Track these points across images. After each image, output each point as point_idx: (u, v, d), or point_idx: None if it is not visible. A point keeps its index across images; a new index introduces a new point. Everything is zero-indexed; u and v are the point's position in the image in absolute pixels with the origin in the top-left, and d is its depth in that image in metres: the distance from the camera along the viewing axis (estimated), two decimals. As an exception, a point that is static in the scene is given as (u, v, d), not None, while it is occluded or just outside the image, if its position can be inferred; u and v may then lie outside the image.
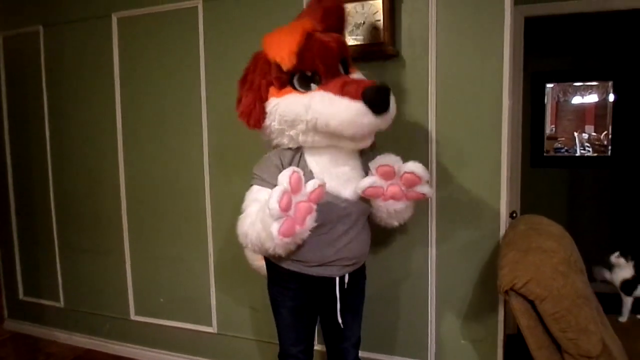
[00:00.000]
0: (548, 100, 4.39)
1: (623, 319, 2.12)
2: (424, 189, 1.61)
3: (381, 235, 2.26)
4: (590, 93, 4.55)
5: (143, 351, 2.95)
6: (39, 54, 3.01)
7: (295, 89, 1.57)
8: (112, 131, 2.84)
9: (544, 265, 1.54)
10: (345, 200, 1.62)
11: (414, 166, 1.56)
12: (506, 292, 1.56)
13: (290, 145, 1.63)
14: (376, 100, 1.46)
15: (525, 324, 1.54)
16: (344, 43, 1.66)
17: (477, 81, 2.06)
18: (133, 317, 2.96)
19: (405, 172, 1.56)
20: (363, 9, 2.13)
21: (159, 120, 2.72)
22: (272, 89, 1.59)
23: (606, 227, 3.96)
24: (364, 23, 2.12)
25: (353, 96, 1.45)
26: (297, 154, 1.64)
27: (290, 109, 1.56)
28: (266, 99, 1.60)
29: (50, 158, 3.08)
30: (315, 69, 1.55)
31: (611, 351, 1.55)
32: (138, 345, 2.97)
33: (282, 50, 1.51)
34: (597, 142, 4.68)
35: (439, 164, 2.08)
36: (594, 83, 4.35)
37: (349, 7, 2.14)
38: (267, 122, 1.62)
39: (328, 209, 1.58)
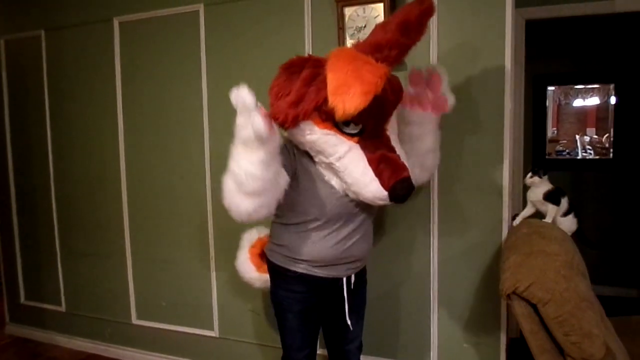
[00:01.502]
0: (549, 103, 4.39)
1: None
2: (449, 98, 1.69)
3: (384, 238, 2.26)
4: (591, 96, 4.56)
5: (144, 355, 2.95)
6: (41, 58, 3.02)
7: (336, 128, 1.49)
8: (114, 135, 2.84)
9: (546, 268, 1.54)
10: (354, 198, 1.61)
11: (440, 70, 1.69)
12: (508, 295, 1.56)
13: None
14: (399, 199, 1.51)
15: (528, 327, 1.53)
16: (402, 95, 1.59)
17: (479, 84, 2.06)
18: (135, 321, 2.95)
19: (435, 73, 1.69)
20: (364, 12, 2.14)
21: (161, 123, 2.72)
22: (315, 114, 1.48)
23: (609, 230, 3.95)
24: (365, 26, 2.13)
25: (384, 183, 1.48)
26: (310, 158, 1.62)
27: (323, 146, 1.51)
28: (307, 117, 1.48)
29: (51, 162, 3.08)
30: (365, 126, 1.50)
31: (614, 354, 1.54)
32: (140, 350, 2.96)
33: (345, 105, 1.39)
34: (598, 145, 4.68)
35: (441, 167, 2.07)
36: (596, 86, 4.36)
37: (350, 10, 2.16)
38: (296, 131, 1.54)
39: (339, 207, 1.59)
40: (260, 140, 1.31)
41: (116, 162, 2.86)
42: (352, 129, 1.50)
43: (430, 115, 1.71)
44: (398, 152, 1.55)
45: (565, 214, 2.07)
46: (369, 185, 1.49)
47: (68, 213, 3.08)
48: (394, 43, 1.46)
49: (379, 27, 1.53)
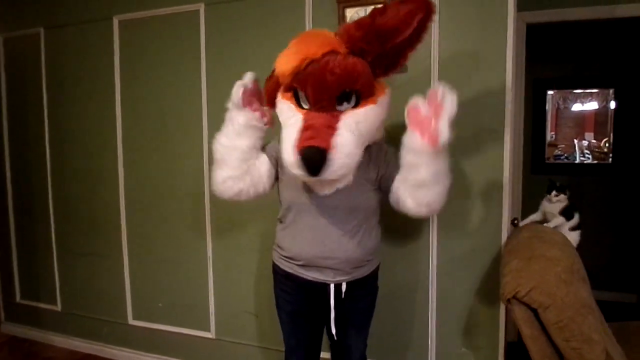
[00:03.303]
0: (549, 107, 4.39)
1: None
2: (442, 133, 1.44)
3: (382, 242, 2.25)
4: (590, 100, 4.55)
5: (140, 356, 2.93)
6: (40, 56, 3.00)
7: (295, 101, 1.56)
8: (112, 134, 2.83)
9: (547, 273, 1.53)
10: (328, 191, 1.60)
11: (447, 97, 1.45)
12: (509, 300, 1.55)
13: None
14: (304, 166, 1.44)
15: (528, 332, 1.52)
16: (353, 76, 1.49)
17: (480, 87, 2.05)
18: (131, 321, 2.93)
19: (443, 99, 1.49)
20: (366, 13, 2.12)
21: (159, 123, 2.71)
22: (282, 87, 1.61)
23: (607, 235, 3.95)
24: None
25: (297, 146, 1.44)
26: None
27: (281, 115, 1.60)
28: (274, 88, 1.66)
29: (49, 160, 3.06)
30: (305, 93, 1.51)
31: (614, 361, 1.53)
32: (136, 350, 2.94)
33: (280, 65, 1.54)
34: (597, 150, 4.67)
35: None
36: (595, 90, 4.35)
37: (352, 11, 2.15)
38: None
39: (306, 189, 1.63)
40: (236, 107, 1.63)
41: (114, 161, 2.84)
42: (303, 102, 1.54)
43: (426, 145, 1.48)
44: (340, 134, 1.45)
45: (574, 228, 2.11)
46: (287, 150, 1.47)
47: (65, 212, 3.06)
48: (363, 37, 1.51)
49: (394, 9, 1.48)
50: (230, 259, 2.59)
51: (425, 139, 1.47)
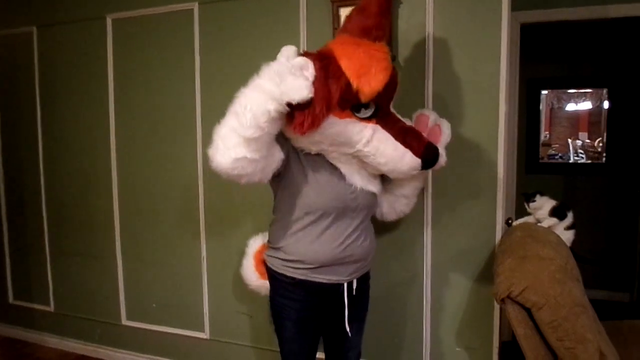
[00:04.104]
0: (542, 107, 4.41)
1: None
2: (442, 156, 1.66)
3: (376, 240, 2.24)
4: (584, 100, 4.57)
5: (134, 357, 2.92)
6: (32, 55, 2.99)
7: (355, 115, 1.50)
8: (105, 134, 2.81)
9: (541, 272, 1.53)
10: (356, 190, 1.62)
11: (445, 124, 1.73)
12: (502, 300, 1.55)
13: (314, 152, 1.60)
14: (431, 163, 1.59)
15: (522, 332, 1.52)
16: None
17: (474, 88, 2.06)
18: (124, 322, 2.92)
19: (437, 124, 1.72)
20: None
21: (153, 123, 2.69)
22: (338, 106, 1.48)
23: (601, 235, 3.96)
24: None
25: (415, 152, 1.54)
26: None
27: (348, 136, 1.51)
28: (335, 109, 1.46)
29: (42, 160, 3.04)
30: (381, 104, 1.53)
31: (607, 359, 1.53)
32: (129, 351, 2.93)
33: (371, 83, 1.44)
34: (591, 149, 4.69)
35: (435, 170, 2.07)
36: (588, 90, 4.37)
37: (345, 10, 2.14)
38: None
39: (336, 194, 1.59)
40: (285, 102, 1.32)
41: (107, 161, 2.82)
42: (366, 113, 1.51)
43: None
44: (410, 124, 1.64)
45: (569, 227, 2.12)
46: (404, 158, 1.54)
47: (58, 212, 3.04)
48: (379, 25, 1.55)
49: (357, 13, 1.58)
50: (225, 259, 2.58)
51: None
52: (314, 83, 1.36)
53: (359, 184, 1.62)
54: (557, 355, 1.49)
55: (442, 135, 1.71)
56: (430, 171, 1.91)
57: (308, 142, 1.54)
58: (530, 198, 2.15)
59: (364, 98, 1.46)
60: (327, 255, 1.61)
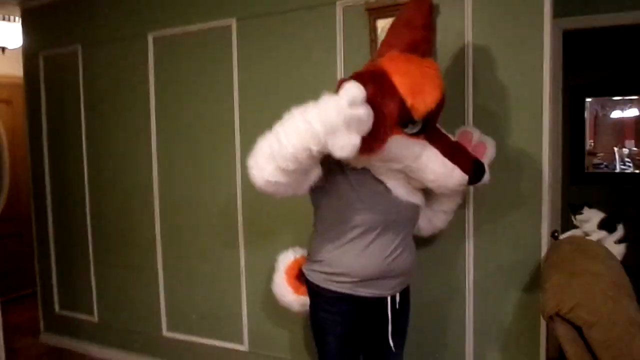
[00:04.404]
0: (587, 114, 4.28)
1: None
2: (486, 173, 1.64)
3: (417, 254, 2.20)
4: (630, 107, 4.41)
5: (174, 368, 2.95)
6: (78, 73, 3.10)
7: (404, 131, 1.49)
8: (147, 149, 2.88)
9: (591, 289, 1.47)
10: (402, 203, 1.61)
11: (490, 142, 1.75)
12: (550, 317, 1.49)
13: (359, 167, 1.59)
14: (477, 179, 1.58)
15: (573, 352, 1.45)
16: None
17: (516, 95, 2.01)
18: (165, 333, 2.96)
19: (481, 142, 1.73)
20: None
21: (193, 137, 2.74)
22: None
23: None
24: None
25: (463, 168, 1.54)
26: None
27: (397, 151, 1.49)
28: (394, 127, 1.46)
29: (86, 174, 3.14)
30: (430, 120, 1.52)
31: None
32: (169, 362, 2.97)
33: (426, 102, 1.44)
34: (638, 158, 4.51)
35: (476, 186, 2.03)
36: (635, 97, 4.22)
37: (383, 22, 2.13)
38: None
39: (383, 208, 1.58)
40: (327, 151, 1.29)
41: (149, 175, 2.89)
42: (413, 129, 1.50)
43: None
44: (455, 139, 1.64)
45: (619, 241, 2.03)
46: (453, 175, 1.53)
47: (102, 225, 3.12)
48: (426, 38, 1.56)
49: (402, 26, 1.58)
50: (264, 271, 2.58)
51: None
52: (371, 104, 1.31)
53: (404, 198, 1.61)
54: (611, 376, 1.42)
55: (487, 152, 1.71)
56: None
57: (354, 159, 1.47)
58: (577, 210, 2.08)
59: (417, 116, 1.45)
60: (374, 268, 1.59)
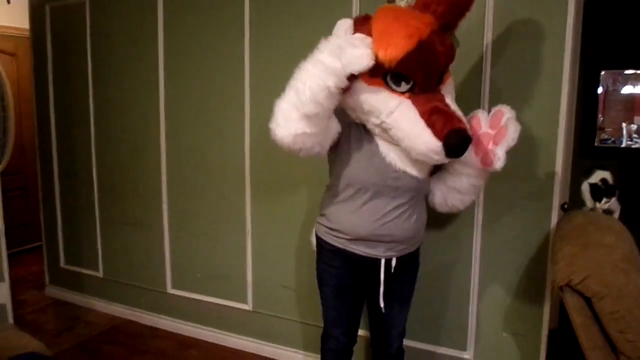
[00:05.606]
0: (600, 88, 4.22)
1: None
2: (499, 159, 1.56)
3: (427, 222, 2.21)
4: (642, 82, 4.34)
5: (178, 324, 2.99)
6: (85, 25, 3.03)
7: (386, 84, 1.46)
8: (155, 105, 2.84)
9: (603, 261, 1.47)
10: (398, 170, 1.58)
11: (512, 126, 1.56)
12: (561, 287, 1.50)
13: (357, 121, 1.62)
14: (455, 150, 1.44)
15: (580, 322, 1.47)
16: (453, 53, 1.51)
17: (535, 65, 1.96)
18: (170, 290, 3.00)
19: (505, 125, 1.57)
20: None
21: (202, 94, 2.70)
22: (367, 73, 1.43)
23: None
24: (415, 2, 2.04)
25: (437, 133, 1.41)
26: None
27: (372, 102, 1.48)
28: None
29: (93, 130, 3.11)
30: (414, 78, 1.45)
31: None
32: (174, 318, 3.01)
33: (388, 49, 1.37)
34: (647, 134, 4.47)
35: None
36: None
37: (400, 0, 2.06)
38: (348, 94, 1.50)
39: (375, 170, 1.57)
40: (345, 74, 1.34)
41: (156, 132, 2.86)
42: (403, 88, 1.46)
43: (476, 161, 1.60)
44: (454, 109, 1.48)
45: (606, 212, 2.05)
46: (420, 136, 1.43)
47: (108, 181, 3.12)
48: None
49: None
50: (269, 232, 2.60)
51: (479, 156, 1.58)
52: None
53: (399, 165, 1.57)
54: (617, 347, 1.44)
55: (506, 136, 1.56)
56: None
57: (346, 108, 1.56)
58: (606, 193, 2.03)
59: (386, 65, 1.39)
60: (363, 229, 1.62)
